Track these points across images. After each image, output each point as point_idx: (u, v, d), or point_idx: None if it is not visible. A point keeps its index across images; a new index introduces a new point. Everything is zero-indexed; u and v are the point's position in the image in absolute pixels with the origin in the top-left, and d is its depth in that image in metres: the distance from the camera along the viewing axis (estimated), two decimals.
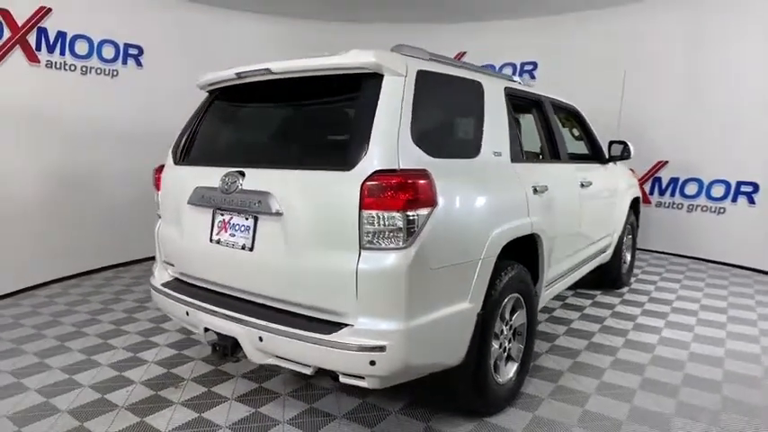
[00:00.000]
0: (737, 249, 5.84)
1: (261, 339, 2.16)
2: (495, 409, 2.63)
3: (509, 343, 2.73)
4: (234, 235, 2.34)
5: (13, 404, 2.75)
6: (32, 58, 4.91)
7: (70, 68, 5.22)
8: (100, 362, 3.29)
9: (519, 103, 3.22)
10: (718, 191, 6.03)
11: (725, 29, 5.76)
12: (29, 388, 2.93)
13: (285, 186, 2.18)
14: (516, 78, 3.41)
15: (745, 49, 5.61)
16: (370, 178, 1.96)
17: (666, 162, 6.42)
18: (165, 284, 2.76)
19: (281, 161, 2.33)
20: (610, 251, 4.56)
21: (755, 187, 5.68)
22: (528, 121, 3.55)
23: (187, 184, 2.57)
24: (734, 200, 5.89)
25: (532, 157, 3.43)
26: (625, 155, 4.37)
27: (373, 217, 1.95)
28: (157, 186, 2.93)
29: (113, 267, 5.69)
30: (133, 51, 5.77)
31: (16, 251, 4.75)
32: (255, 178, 2.28)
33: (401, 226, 1.94)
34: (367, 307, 1.98)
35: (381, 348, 1.93)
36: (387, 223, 1.94)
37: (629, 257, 5.13)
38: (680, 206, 6.38)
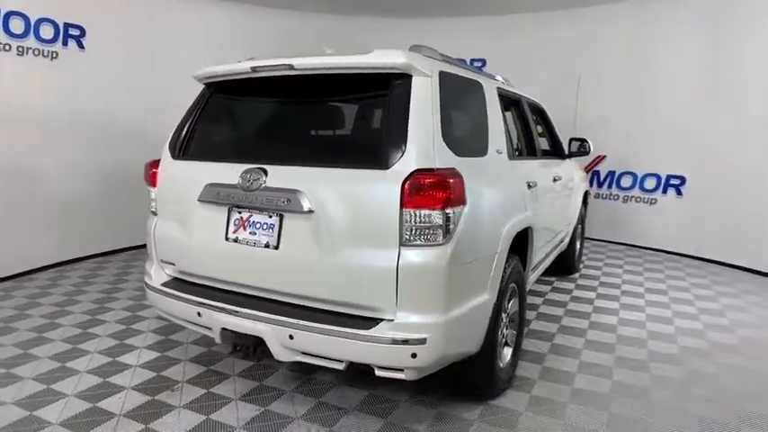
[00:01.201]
0: (668, 237, 6.46)
1: (291, 337, 2.15)
2: (498, 392, 2.79)
3: (506, 329, 2.90)
4: (254, 233, 2.29)
5: None
6: None
7: (5, 48, 4.74)
8: (77, 369, 3.08)
9: (504, 102, 3.39)
10: (650, 183, 6.63)
11: (657, 36, 6.32)
12: (4, 401, 2.70)
13: (316, 184, 2.17)
14: (499, 77, 3.57)
15: (674, 54, 6.18)
16: (410, 177, 2.02)
17: (605, 156, 6.95)
18: (166, 285, 2.65)
19: (310, 159, 2.31)
20: (567, 240, 4.90)
21: (683, 180, 6.31)
22: (507, 119, 3.73)
23: (195, 181, 2.48)
24: (664, 191, 6.51)
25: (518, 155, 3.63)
26: (582, 151, 4.70)
27: (414, 215, 2.01)
28: (152, 182, 2.78)
29: (54, 266, 5.27)
30: (74, 32, 5.31)
31: None
32: (281, 176, 2.25)
33: (440, 223, 2.02)
34: (407, 302, 2.04)
35: (422, 341, 2.02)
36: (427, 221, 2.01)
37: (578, 246, 5.54)
38: (616, 197, 6.95)
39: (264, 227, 2.28)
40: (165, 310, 2.69)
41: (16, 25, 4.79)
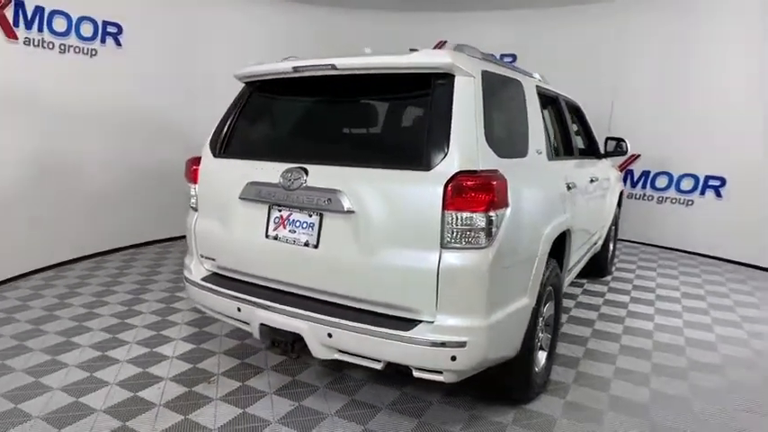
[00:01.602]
0: (704, 240, 6.28)
1: (330, 336, 2.17)
2: (533, 396, 2.76)
3: (542, 333, 2.87)
4: (294, 231, 2.32)
5: (43, 404, 2.63)
6: (10, 33, 4.55)
7: (48, 46, 4.87)
8: (117, 358, 3.18)
9: (542, 100, 3.33)
10: (687, 184, 6.44)
11: (699, 31, 6.12)
12: (51, 387, 2.80)
13: (357, 184, 2.18)
14: (536, 75, 3.52)
15: (719, 51, 5.98)
16: (453, 179, 2.00)
17: (639, 156, 6.79)
18: (206, 279, 2.70)
19: (350, 159, 2.31)
20: (601, 242, 4.81)
21: (723, 181, 6.12)
22: (545, 118, 3.67)
23: (236, 179, 2.51)
24: (702, 193, 6.32)
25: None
26: (619, 150, 4.60)
27: (457, 217, 1.99)
28: (194, 179, 2.83)
29: (94, 257, 5.42)
30: (112, 29, 5.44)
31: None
32: (321, 175, 2.27)
33: (483, 226, 2.00)
34: (447, 304, 2.03)
35: (462, 344, 2.01)
36: (470, 224, 2.00)
37: (611, 247, 5.43)
38: (650, 198, 6.78)
39: (304, 225, 2.30)
40: (204, 304, 2.74)
41: (59, 24, 4.92)
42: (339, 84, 2.47)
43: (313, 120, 2.73)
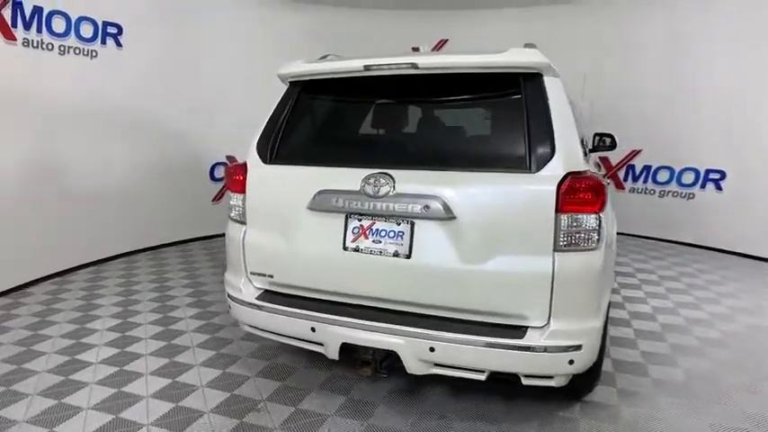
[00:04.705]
0: (706, 232, 6.44)
1: (432, 350, 2.08)
2: (592, 388, 2.76)
3: None
4: (379, 241, 2.21)
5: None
6: (8, 35, 4.27)
7: (47, 47, 4.60)
8: (139, 394, 2.80)
9: None
10: (688, 177, 6.60)
11: (698, 24, 6.24)
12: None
13: (455, 189, 2.10)
14: None
15: (717, 46, 6.13)
16: (565, 181, 1.97)
17: (640, 151, 6.92)
18: (262, 298, 2.51)
19: (443, 163, 2.22)
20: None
21: (723, 175, 6.29)
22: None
23: (301, 187, 2.36)
24: (702, 186, 6.48)
25: None
26: (610, 146, 4.57)
27: (572, 220, 1.97)
28: (240, 189, 2.61)
29: (91, 265, 5.15)
30: (112, 30, 5.18)
31: None
32: (412, 181, 2.17)
33: (596, 227, 2.00)
34: (562, 308, 2.00)
35: (579, 347, 2.00)
36: (585, 225, 1.98)
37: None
38: (652, 192, 6.92)
39: (392, 235, 2.20)
40: (262, 326, 2.54)
41: (58, 24, 4.65)
42: (414, 83, 2.36)
43: (390, 122, 2.61)
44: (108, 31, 5.11)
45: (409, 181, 2.17)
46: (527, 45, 2.38)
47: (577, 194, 1.97)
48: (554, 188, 1.97)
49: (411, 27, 7.31)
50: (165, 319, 3.88)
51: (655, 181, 6.88)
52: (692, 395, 2.82)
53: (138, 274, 5.04)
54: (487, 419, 2.57)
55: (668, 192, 6.78)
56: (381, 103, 2.67)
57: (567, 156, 2.03)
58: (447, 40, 7.47)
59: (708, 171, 6.42)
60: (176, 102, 5.84)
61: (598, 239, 2.02)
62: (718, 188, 6.35)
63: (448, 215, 2.09)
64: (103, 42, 5.09)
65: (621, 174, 7.08)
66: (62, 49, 4.70)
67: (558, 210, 1.97)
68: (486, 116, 2.45)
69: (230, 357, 3.26)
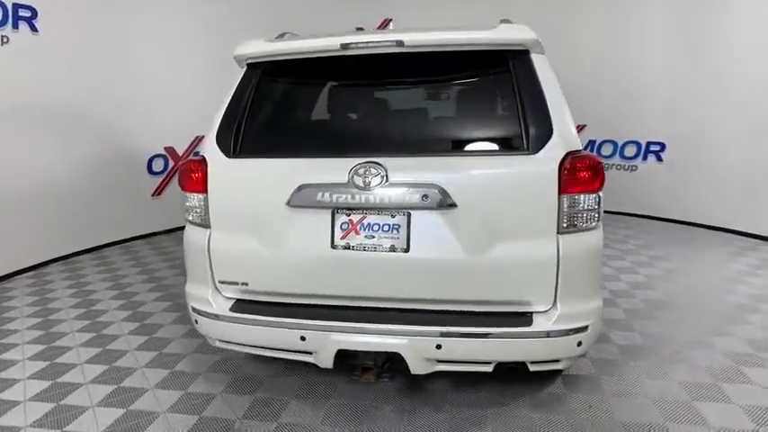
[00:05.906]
0: (649, 202, 6.73)
1: (439, 347, 1.96)
2: None
3: None
4: (372, 236, 2.04)
5: None
6: None
7: None
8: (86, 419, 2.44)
9: None
10: (630, 150, 6.86)
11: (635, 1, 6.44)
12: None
13: (453, 175, 1.97)
14: None
15: (650, 18, 6.33)
16: (565, 161, 1.91)
17: (584, 126, 7.10)
18: (236, 309, 2.25)
19: (435, 148, 2.09)
20: None
21: (663, 146, 6.58)
22: None
23: (275, 182, 2.13)
24: (644, 158, 6.76)
25: None
26: None
27: (575, 200, 1.92)
28: (199, 188, 2.28)
29: (29, 270, 4.67)
30: (24, 13, 4.59)
31: None
32: (404, 169, 2.00)
33: (596, 206, 1.96)
34: (568, 290, 1.96)
35: (585, 328, 1.98)
36: (587, 205, 1.94)
37: None
38: None
39: (386, 228, 2.03)
40: (237, 340, 2.29)
41: None
42: (396, 62, 2.16)
43: (373, 106, 2.40)
44: (20, 14, 4.52)
45: (401, 169, 2.01)
46: (503, 21, 2.26)
47: (579, 174, 1.93)
48: (556, 169, 1.91)
49: (351, 5, 7.09)
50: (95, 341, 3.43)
51: (599, 155, 7.09)
52: (655, 356, 2.95)
53: (87, 275, 4.66)
54: (479, 406, 2.46)
55: (612, 165, 7.01)
56: (358, 84, 2.46)
57: (565, 135, 1.97)
58: (391, 20, 7.27)
59: (649, 143, 6.70)
60: (106, 91, 5.30)
61: (598, 218, 2.00)
62: (659, 159, 6.64)
63: (449, 203, 1.96)
64: (15, 27, 4.50)
65: None
66: None
67: (561, 191, 1.92)
68: (477, 96, 2.32)
69: (188, 375, 2.88)
